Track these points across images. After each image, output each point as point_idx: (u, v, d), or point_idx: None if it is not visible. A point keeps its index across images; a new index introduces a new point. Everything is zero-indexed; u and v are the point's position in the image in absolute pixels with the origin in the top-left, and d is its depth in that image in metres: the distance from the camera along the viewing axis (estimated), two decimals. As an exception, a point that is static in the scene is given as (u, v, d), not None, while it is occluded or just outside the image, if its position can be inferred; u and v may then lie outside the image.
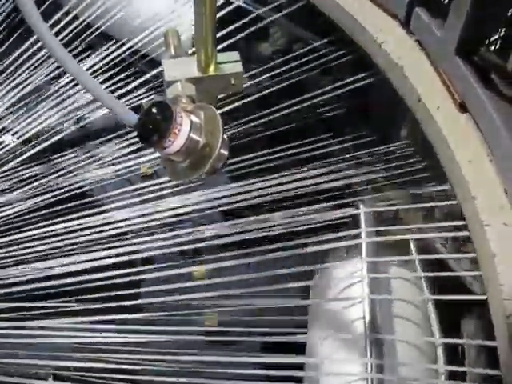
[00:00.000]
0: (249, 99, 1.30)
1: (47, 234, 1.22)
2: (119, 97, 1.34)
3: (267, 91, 1.31)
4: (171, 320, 1.08)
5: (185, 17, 1.38)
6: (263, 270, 1.09)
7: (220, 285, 1.09)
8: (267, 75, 1.35)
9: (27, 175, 1.34)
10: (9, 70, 1.43)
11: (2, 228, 1.26)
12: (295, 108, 1.30)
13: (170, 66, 0.80)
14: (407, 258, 1.11)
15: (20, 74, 1.41)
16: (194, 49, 0.79)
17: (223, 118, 0.69)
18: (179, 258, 1.25)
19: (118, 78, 1.38)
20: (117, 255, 1.18)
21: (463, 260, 1.06)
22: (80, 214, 1.25)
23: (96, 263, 1.17)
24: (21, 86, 1.40)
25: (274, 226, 1.17)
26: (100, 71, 1.40)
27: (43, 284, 1.15)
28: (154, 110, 0.67)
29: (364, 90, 1.28)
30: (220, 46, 1.18)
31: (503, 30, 0.97)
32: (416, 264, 1.10)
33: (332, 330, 1.05)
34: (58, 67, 1.37)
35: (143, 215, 1.24)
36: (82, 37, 1.44)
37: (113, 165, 1.34)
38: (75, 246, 1.21)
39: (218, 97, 0.82)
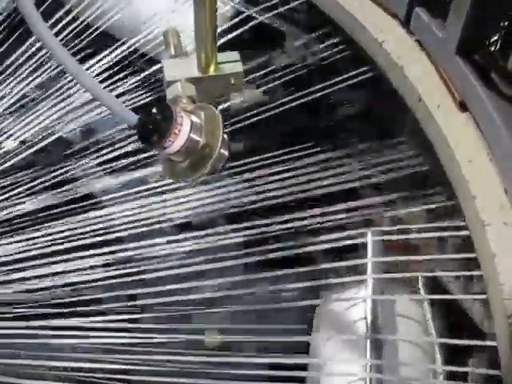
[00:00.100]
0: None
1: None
2: (118, 96, 1.33)
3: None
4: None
5: (185, 16, 1.38)
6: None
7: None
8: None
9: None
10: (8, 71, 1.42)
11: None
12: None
13: (170, 66, 0.80)
14: (416, 297, 1.08)
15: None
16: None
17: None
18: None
19: (117, 78, 1.38)
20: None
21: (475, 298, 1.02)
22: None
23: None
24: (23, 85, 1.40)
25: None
26: (100, 70, 1.39)
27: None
28: (154, 110, 0.67)
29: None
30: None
31: (503, 29, 0.97)
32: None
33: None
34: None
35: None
36: (82, 36, 1.43)
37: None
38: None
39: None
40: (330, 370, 1.02)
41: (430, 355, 1.02)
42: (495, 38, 0.97)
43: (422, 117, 1.01)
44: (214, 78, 0.80)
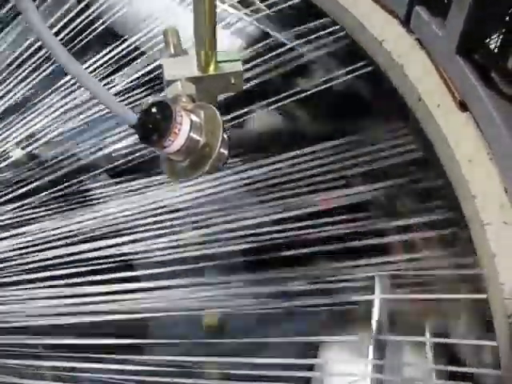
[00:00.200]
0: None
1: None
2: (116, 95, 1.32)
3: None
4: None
5: (184, 15, 1.37)
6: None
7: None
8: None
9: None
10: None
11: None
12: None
13: (169, 65, 0.80)
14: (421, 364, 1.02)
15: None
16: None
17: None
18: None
19: (115, 76, 1.37)
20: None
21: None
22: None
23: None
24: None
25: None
26: (100, 70, 1.39)
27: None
28: (153, 110, 0.67)
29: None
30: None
31: (504, 28, 0.97)
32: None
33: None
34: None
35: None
36: (82, 36, 1.43)
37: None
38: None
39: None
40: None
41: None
42: (496, 36, 0.97)
43: (421, 116, 1.00)
44: (213, 77, 0.79)
